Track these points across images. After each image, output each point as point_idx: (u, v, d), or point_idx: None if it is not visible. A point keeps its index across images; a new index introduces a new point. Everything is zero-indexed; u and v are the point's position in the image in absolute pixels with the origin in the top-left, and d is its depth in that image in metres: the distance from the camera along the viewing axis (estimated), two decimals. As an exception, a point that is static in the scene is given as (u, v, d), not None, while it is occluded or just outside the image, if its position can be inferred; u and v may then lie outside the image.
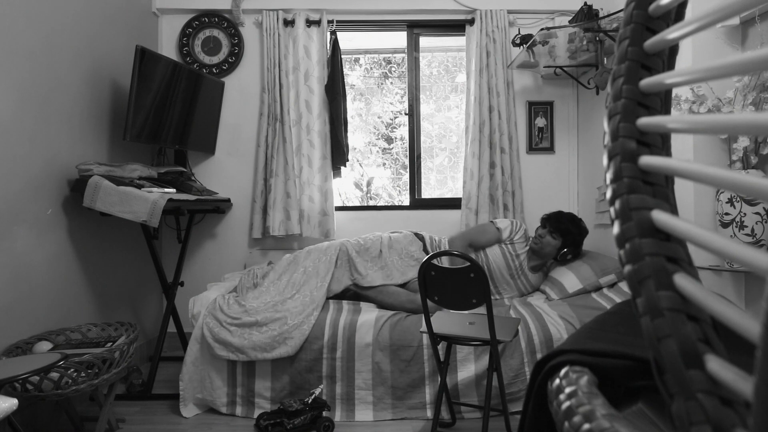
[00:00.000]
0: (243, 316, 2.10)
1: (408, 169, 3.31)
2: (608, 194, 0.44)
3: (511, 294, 2.59)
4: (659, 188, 0.42)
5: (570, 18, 2.77)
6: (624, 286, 2.33)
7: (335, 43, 3.05)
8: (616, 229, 0.42)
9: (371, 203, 3.47)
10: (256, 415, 2.03)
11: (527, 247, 2.59)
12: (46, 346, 1.84)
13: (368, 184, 3.50)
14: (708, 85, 1.86)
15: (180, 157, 2.99)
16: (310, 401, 1.90)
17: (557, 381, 0.55)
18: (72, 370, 1.62)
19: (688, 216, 1.98)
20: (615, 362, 0.56)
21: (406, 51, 3.27)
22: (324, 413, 1.94)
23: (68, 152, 2.20)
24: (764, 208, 1.70)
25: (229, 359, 2.05)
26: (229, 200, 3.11)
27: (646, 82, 0.44)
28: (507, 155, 3.07)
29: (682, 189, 1.95)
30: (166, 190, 2.31)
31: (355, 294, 2.44)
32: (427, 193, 3.38)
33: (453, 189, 3.43)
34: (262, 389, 2.07)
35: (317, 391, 1.94)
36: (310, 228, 3.09)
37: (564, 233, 2.46)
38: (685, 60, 1.98)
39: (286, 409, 1.88)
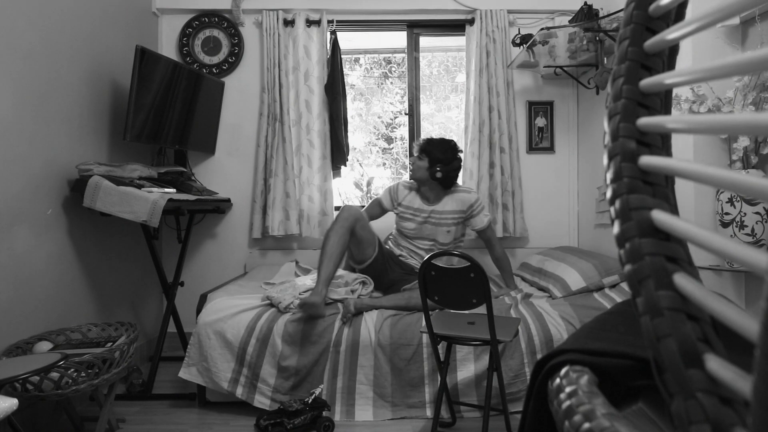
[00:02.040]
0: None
1: (408, 169, 3.31)
2: (608, 194, 0.44)
3: (449, 239, 2.56)
4: (659, 188, 0.42)
5: (570, 18, 2.77)
6: (626, 286, 2.33)
7: (335, 43, 3.05)
8: (616, 228, 0.42)
9: (371, 203, 3.48)
10: (255, 403, 2.04)
11: (413, 190, 2.62)
12: (46, 346, 1.84)
13: (368, 184, 3.51)
14: (708, 85, 1.86)
15: (180, 157, 3.00)
16: (310, 401, 1.91)
17: (557, 380, 0.55)
18: (72, 370, 1.62)
19: (688, 216, 1.98)
20: (615, 362, 0.56)
21: (406, 51, 3.27)
22: (324, 413, 1.94)
23: (68, 152, 2.20)
24: (764, 208, 1.70)
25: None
26: (229, 200, 3.11)
27: (646, 82, 0.44)
28: (507, 155, 3.07)
29: (682, 189, 1.94)
30: (166, 190, 2.31)
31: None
32: (427, 193, 3.38)
33: (453, 189, 3.43)
34: (267, 375, 2.07)
35: (317, 391, 1.94)
36: (309, 228, 3.09)
37: (427, 152, 2.50)
38: (685, 60, 1.98)
39: (286, 409, 1.88)
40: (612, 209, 0.43)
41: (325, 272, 2.21)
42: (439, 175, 2.49)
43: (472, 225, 2.59)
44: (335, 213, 3.08)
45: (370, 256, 2.44)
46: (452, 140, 2.58)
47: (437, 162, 2.48)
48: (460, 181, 3.21)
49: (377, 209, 2.69)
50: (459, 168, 2.56)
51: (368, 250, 2.43)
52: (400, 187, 2.66)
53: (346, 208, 2.38)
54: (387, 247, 2.63)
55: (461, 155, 2.57)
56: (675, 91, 1.82)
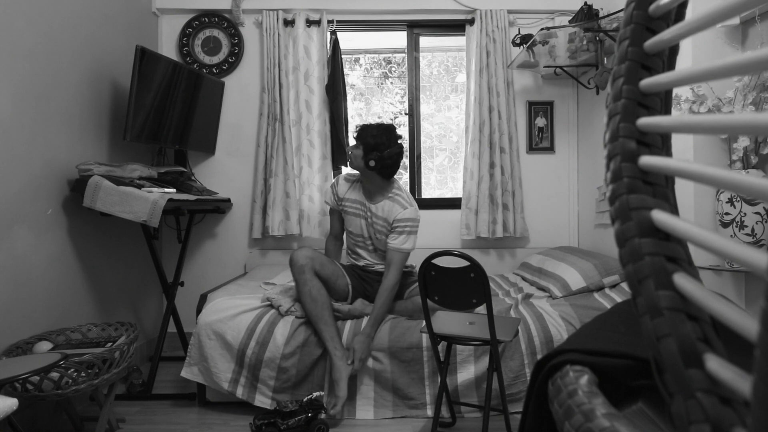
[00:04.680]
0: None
1: (408, 169, 3.30)
2: (608, 194, 0.44)
3: (383, 247, 2.28)
4: (659, 188, 0.42)
5: (570, 18, 2.78)
6: (626, 286, 2.33)
7: (335, 43, 3.05)
8: (616, 228, 0.42)
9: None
10: (256, 402, 2.05)
11: (354, 183, 2.38)
12: (46, 346, 1.84)
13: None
14: (708, 85, 1.86)
15: (180, 157, 3.00)
16: (305, 401, 1.89)
17: (557, 380, 0.55)
18: (72, 370, 1.62)
19: (688, 216, 1.98)
20: (615, 362, 0.56)
21: (406, 51, 3.27)
22: (320, 416, 1.93)
23: (68, 152, 2.20)
24: (764, 208, 1.70)
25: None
26: (229, 200, 3.11)
27: (646, 82, 0.44)
28: (507, 155, 3.07)
29: (682, 189, 1.95)
30: (166, 190, 2.31)
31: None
32: (427, 193, 3.38)
33: (453, 189, 3.44)
34: (267, 377, 2.07)
35: (315, 395, 1.93)
36: (310, 228, 3.09)
37: (361, 139, 2.24)
38: (685, 60, 1.98)
39: (281, 409, 1.87)
40: (612, 209, 0.43)
41: (329, 333, 2.04)
42: (372, 163, 2.20)
43: (389, 239, 2.22)
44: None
45: (346, 286, 2.25)
46: (390, 125, 2.33)
47: (371, 149, 2.20)
48: (460, 180, 3.22)
49: (335, 218, 2.45)
50: (397, 155, 2.25)
51: (340, 283, 2.23)
52: (341, 180, 2.41)
53: (294, 257, 2.15)
54: (349, 263, 2.45)
55: (401, 142, 2.30)
56: (675, 91, 1.82)
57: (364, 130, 2.26)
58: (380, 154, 2.20)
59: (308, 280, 2.08)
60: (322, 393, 1.98)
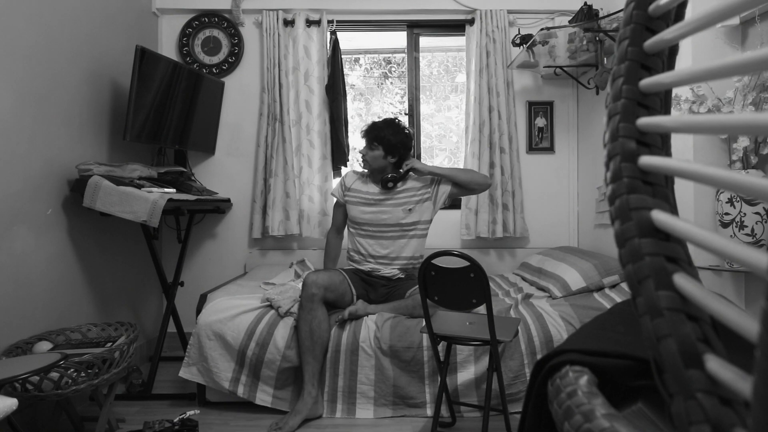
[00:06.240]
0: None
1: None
2: (608, 194, 0.44)
3: (412, 219, 2.36)
4: (659, 188, 0.42)
5: (570, 18, 2.77)
6: (626, 286, 2.33)
7: (335, 43, 3.05)
8: (615, 228, 0.42)
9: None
10: (257, 401, 2.06)
11: (364, 177, 2.49)
12: (46, 346, 1.84)
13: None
14: (708, 85, 1.86)
15: (180, 157, 3.00)
16: (176, 420, 1.81)
17: (557, 381, 0.55)
18: (72, 370, 1.62)
19: (688, 216, 1.98)
20: (615, 362, 0.56)
21: (406, 51, 3.27)
22: None
23: (68, 152, 2.20)
24: (764, 208, 1.70)
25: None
26: (229, 200, 3.11)
27: (646, 82, 0.44)
28: (507, 155, 3.07)
29: (682, 189, 1.95)
30: (166, 190, 2.31)
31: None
32: (427, 193, 3.37)
33: (453, 189, 3.43)
34: (268, 377, 2.08)
35: (189, 413, 1.84)
36: (309, 228, 3.09)
37: (379, 140, 2.34)
38: (685, 60, 1.98)
39: (144, 430, 1.77)
40: (612, 209, 0.43)
41: (313, 370, 2.02)
42: (393, 160, 2.37)
43: (443, 191, 2.38)
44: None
45: (351, 299, 2.28)
46: (396, 118, 2.45)
47: (394, 147, 2.34)
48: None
49: (339, 212, 2.54)
50: (411, 146, 2.44)
51: (346, 299, 2.26)
52: (350, 173, 2.54)
53: (308, 281, 2.11)
54: (351, 267, 2.44)
55: (408, 131, 2.43)
56: (675, 91, 1.82)
57: (381, 130, 2.36)
58: (403, 149, 2.37)
59: (313, 310, 2.06)
60: (197, 411, 1.90)
